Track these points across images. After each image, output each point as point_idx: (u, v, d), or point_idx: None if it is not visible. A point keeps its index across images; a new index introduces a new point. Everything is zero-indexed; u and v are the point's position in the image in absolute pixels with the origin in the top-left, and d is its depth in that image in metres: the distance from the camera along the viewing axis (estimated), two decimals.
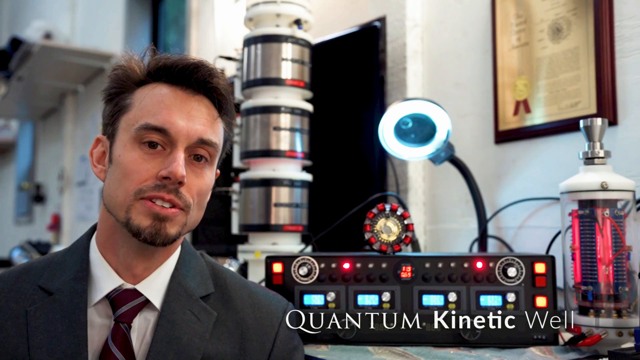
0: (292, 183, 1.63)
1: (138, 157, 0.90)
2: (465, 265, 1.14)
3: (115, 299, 0.92)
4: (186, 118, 0.92)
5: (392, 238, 1.19)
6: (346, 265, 1.16)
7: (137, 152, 0.90)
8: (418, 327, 1.13)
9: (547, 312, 1.12)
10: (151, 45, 1.00)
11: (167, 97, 0.93)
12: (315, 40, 1.79)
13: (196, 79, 0.94)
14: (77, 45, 4.74)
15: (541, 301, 1.12)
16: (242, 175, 1.69)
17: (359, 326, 1.14)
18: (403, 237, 1.19)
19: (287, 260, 1.18)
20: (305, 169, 1.72)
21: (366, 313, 1.15)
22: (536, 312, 1.12)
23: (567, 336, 1.10)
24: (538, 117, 1.58)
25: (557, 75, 1.54)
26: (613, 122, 1.41)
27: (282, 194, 1.62)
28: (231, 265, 1.64)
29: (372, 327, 1.14)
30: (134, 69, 0.96)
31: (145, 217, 0.89)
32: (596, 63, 1.44)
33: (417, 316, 1.13)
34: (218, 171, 1.04)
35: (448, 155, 1.56)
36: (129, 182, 0.89)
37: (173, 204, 0.90)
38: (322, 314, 1.15)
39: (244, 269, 1.65)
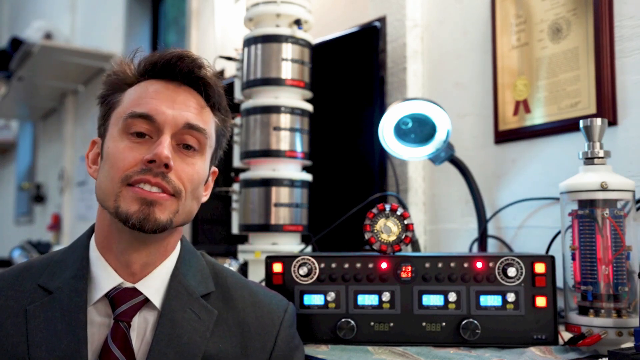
0: (292, 183, 1.63)
1: (125, 146, 0.91)
2: (465, 265, 1.14)
3: (115, 297, 0.92)
4: (172, 106, 0.93)
5: (392, 238, 1.19)
6: (333, 265, 1.16)
7: (124, 142, 0.92)
8: (418, 327, 1.13)
9: (547, 312, 1.12)
10: (140, 47, 1.01)
11: (153, 88, 0.95)
12: (315, 40, 1.79)
13: (180, 70, 0.95)
14: (77, 45, 4.75)
15: (541, 301, 1.12)
16: (242, 175, 1.69)
17: (359, 326, 1.14)
18: (403, 237, 1.19)
19: (287, 260, 1.18)
20: (305, 169, 1.72)
21: (366, 313, 1.15)
22: (536, 312, 1.12)
23: (567, 336, 1.10)
24: (538, 117, 1.58)
25: (557, 75, 1.54)
26: (613, 122, 1.41)
27: (282, 194, 1.63)
28: (231, 265, 1.64)
29: (372, 327, 1.15)
30: (124, 71, 0.98)
31: (133, 202, 0.89)
32: (596, 63, 1.44)
33: (417, 316, 1.13)
34: (215, 169, 1.05)
35: (448, 155, 1.56)
36: (115, 170, 0.90)
37: (161, 188, 0.90)
38: (322, 313, 1.15)
39: (244, 269, 1.65)
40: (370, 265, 1.16)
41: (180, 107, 0.93)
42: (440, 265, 1.15)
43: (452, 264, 1.15)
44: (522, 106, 1.62)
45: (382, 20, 1.95)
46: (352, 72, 1.89)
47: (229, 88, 1.04)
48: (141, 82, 0.97)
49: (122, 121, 0.92)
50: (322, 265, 1.17)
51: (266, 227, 1.62)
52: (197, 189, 0.96)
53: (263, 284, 1.19)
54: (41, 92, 5.00)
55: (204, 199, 1.01)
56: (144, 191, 0.89)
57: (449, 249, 1.80)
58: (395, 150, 1.52)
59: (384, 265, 1.16)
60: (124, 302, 0.92)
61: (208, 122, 0.98)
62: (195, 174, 0.95)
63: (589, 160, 1.11)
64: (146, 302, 0.94)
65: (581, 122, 1.13)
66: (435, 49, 1.89)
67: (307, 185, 1.68)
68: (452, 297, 1.13)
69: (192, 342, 0.92)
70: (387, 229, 1.19)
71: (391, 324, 1.14)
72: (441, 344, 1.13)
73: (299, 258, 1.18)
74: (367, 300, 1.15)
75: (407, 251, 1.45)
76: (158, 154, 0.88)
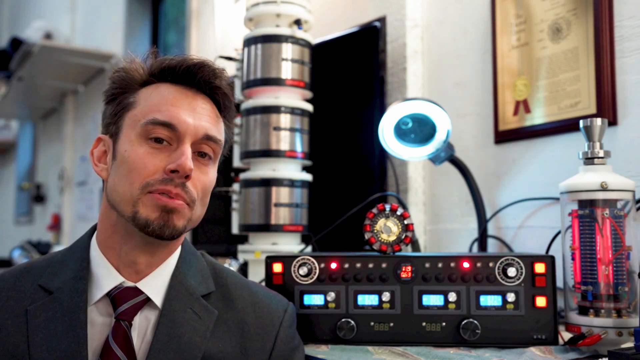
0: (292, 183, 1.63)
1: (145, 152, 0.91)
2: (465, 265, 1.14)
3: (116, 297, 0.93)
4: (192, 114, 0.93)
5: (392, 238, 1.19)
6: (333, 265, 1.17)
7: (144, 147, 0.92)
8: (418, 327, 1.13)
9: (547, 312, 1.12)
10: (154, 48, 1.01)
11: (174, 95, 0.95)
12: (315, 40, 1.79)
13: (201, 78, 0.96)
14: (77, 45, 4.75)
15: (541, 301, 1.12)
16: (242, 175, 1.69)
17: (359, 326, 1.14)
18: (403, 237, 1.19)
19: (287, 260, 1.18)
20: (305, 169, 1.72)
21: (366, 313, 1.15)
22: (536, 312, 1.12)
23: (567, 336, 1.10)
24: (538, 117, 1.58)
25: (557, 75, 1.54)
26: (613, 122, 1.41)
27: (282, 194, 1.63)
28: (231, 265, 1.64)
29: (372, 327, 1.15)
30: (136, 70, 0.97)
31: (153, 209, 0.90)
32: (596, 63, 1.44)
33: (417, 316, 1.13)
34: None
35: (448, 155, 1.56)
36: (136, 176, 0.90)
37: (180, 198, 0.91)
38: (322, 313, 1.15)
39: (244, 269, 1.65)
40: (370, 265, 1.16)
41: (199, 116, 0.94)
42: (440, 265, 1.15)
43: (452, 264, 1.15)
44: (522, 106, 1.62)
45: (382, 20, 1.95)
46: (352, 72, 1.89)
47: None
48: (156, 85, 0.96)
49: (141, 126, 0.92)
50: (322, 265, 1.17)
51: (266, 227, 1.62)
52: (207, 196, 0.98)
53: (263, 284, 1.19)
54: (41, 92, 5.00)
55: None
56: (166, 198, 0.90)
57: (449, 249, 1.80)
58: (395, 150, 1.52)
59: (384, 265, 1.16)
60: (125, 301, 0.92)
61: (222, 131, 0.99)
62: (209, 182, 0.96)
63: (589, 160, 1.11)
64: (147, 301, 0.94)
65: (581, 122, 1.13)
66: (435, 49, 1.89)
67: (307, 185, 1.68)
68: (452, 297, 1.13)
69: (192, 342, 0.92)
70: (387, 229, 1.19)
71: (391, 324, 1.14)
72: (441, 344, 1.13)
73: (299, 258, 1.18)
74: (367, 300, 1.15)
75: (407, 251, 1.45)
76: (182, 166, 0.89)
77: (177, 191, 0.90)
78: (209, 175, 0.96)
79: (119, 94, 0.97)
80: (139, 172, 0.90)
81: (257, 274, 1.60)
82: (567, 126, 1.50)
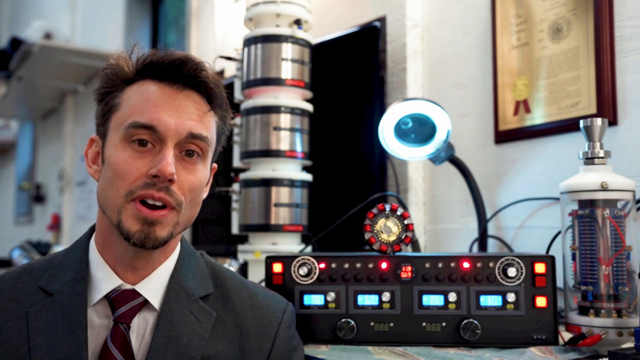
0: (292, 183, 1.63)
1: (128, 156, 0.90)
2: (465, 265, 1.14)
3: (115, 299, 0.93)
4: (174, 114, 0.91)
5: (392, 238, 1.19)
6: (333, 265, 1.16)
7: (127, 152, 0.90)
8: (418, 327, 1.13)
9: (547, 312, 1.12)
10: (138, 42, 0.99)
11: (155, 94, 0.92)
12: (315, 40, 1.79)
13: (183, 74, 0.93)
14: (77, 45, 4.74)
15: (541, 301, 1.12)
16: (242, 175, 1.69)
17: (359, 326, 1.14)
18: (403, 237, 1.19)
19: (287, 260, 1.18)
20: (305, 169, 1.72)
21: (366, 313, 1.15)
22: (536, 312, 1.12)
23: (567, 336, 1.10)
24: (538, 117, 1.58)
25: (557, 75, 1.54)
26: (613, 122, 1.41)
27: (282, 194, 1.62)
28: (231, 265, 1.64)
29: (372, 327, 1.14)
30: (122, 66, 0.95)
31: (135, 221, 0.89)
32: (596, 63, 1.44)
33: (417, 316, 1.13)
34: (215, 165, 1.04)
35: (448, 155, 1.56)
36: (120, 182, 0.89)
37: (164, 202, 0.90)
38: (322, 314, 1.15)
39: (244, 269, 1.65)
40: (370, 265, 1.16)
41: (182, 114, 0.92)
42: (440, 265, 1.15)
43: (452, 264, 1.15)
44: (522, 106, 1.62)
45: (382, 20, 1.95)
46: (352, 72, 1.88)
47: (229, 88, 1.03)
48: (140, 83, 0.95)
49: (123, 130, 0.91)
50: (322, 265, 1.17)
51: (266, 227, 1.62)
52: (198, 195, 0.96)
53: (263, 284, 1.19)
54: (41, 92, 5.00)
55: (204, 195, 1.01)
56: (146, 210, 0.89)
57: (449, 249, 1.80)
58: (395, 150, 1.52)
59: (384, 265, 1.16)
60: (123, 303, 0.92)
61: (210, 126, 0.96)
62: (197, 181, 0.94)
63: (589, 160, 1.11)
64: (145, 303, 0.94)
65: (581, 122, 1.13)
66: (435, 49, 1.89)
67: (307, 185, 1.68)
68: (452, 297, 1.13)
69: (190, 344, 0.92)
70: (387, 229, 1.19)
71: (391, 324, 1.14)
72: (441, 344, 1.13)
73: (299, 258, 1.18)
74: (367, 300, 1.15)
75: (407, 251, 1.45)
76: (162, 171, 0.88)
77: (160, 195, 0.89)
78: (197, 174, 0.94)
79: (106, 94, 0.96)
80: (122, 178, 0.89)
81: (257, 274, 1.60)
82: (567, 126, 1.50)
